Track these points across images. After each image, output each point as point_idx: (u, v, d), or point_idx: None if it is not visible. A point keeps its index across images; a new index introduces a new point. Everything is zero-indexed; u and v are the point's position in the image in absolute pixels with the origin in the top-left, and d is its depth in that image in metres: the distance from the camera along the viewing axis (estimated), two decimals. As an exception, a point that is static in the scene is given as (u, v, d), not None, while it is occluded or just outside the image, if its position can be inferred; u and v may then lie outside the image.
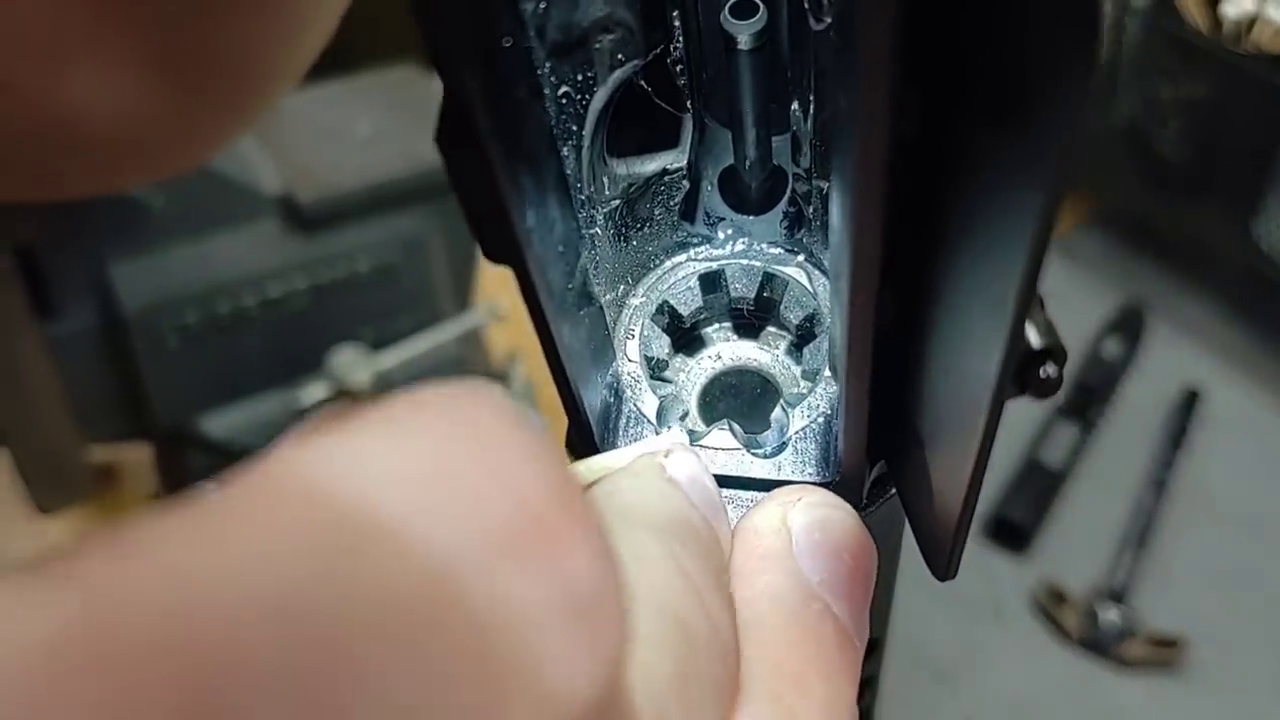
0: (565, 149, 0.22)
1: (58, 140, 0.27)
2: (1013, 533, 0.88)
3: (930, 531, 0.24)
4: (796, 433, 0.24)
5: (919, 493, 0.24)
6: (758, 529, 0.21)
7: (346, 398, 0.80)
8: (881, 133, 0.15)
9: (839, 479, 0.23)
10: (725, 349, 0.27)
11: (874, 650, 0.36)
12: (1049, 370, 0.19)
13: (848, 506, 0.21)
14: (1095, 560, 0.87)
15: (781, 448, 0.24)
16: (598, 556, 0.14)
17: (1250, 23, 0.91)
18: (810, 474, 0.23)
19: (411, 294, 0.84)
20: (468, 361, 0.88)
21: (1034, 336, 0.19)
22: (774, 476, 0.24)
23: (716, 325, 0.27)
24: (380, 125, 0.82)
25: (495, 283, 0.90)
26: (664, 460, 0.20)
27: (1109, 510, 0.91)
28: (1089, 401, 0.96)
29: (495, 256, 0.20)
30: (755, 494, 0.24)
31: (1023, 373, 0.19)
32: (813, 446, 0.24)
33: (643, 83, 0.24)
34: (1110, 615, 0.82)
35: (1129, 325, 1.03)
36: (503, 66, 0.19)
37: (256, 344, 0.80)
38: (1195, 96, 1.00)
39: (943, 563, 0.24)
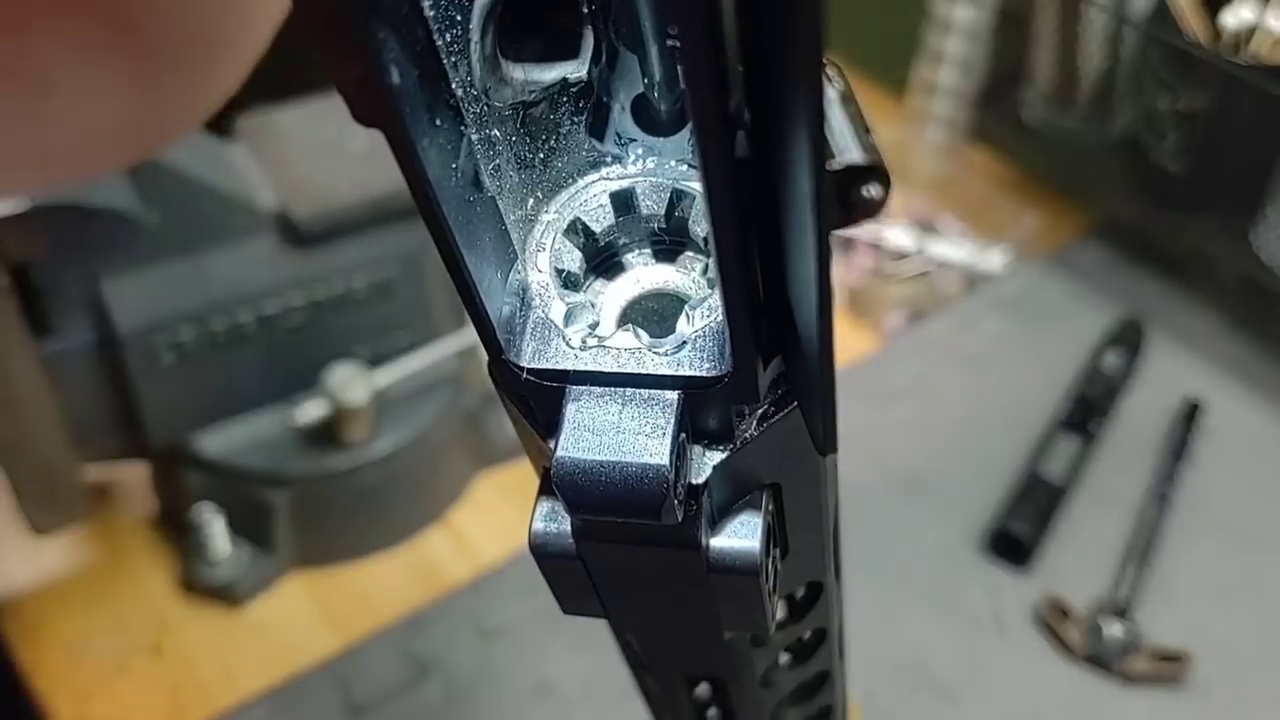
0: (449, 35, 0.23)
1: (28, 117, 0.27)
2: (1014, 547, 0.87)
3: (809, 408, 0.25)
4: (696, 332, 0.24)
5: (800, 373, 0.25)
6: None
7: (344, 415, 0.80)
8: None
9: (732, 371, 0.24)
10: (644, 273, 0.27)
11: (818, 596, 0.35)
12: (872, 190, 0.19)
13: None
14: (1098, 574, 0.87)
15: (681, 346, 0.24)
16: None
17: (1249, 33, 0.91)
18: (707, 368, 0.24)
19: (409, 310, 0.83)
20: (464, 378, 0.88)
21: (856, 153, 0.19)
22: (673, 372, 0.24)
23: (637, 251, 0.27)
24: (376, 141, 0.81)
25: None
26: None
27: (1111, 523, 0.90)
28: (1089, 414, 0.96)
29: (362, 117, 0.20)
30: (655, 391, 0.24)
31: (845, 192, 0.19)
32: (710, 343, 0.24)
33: None
34: (1114, 630, 0.81)
35: (1128, 337, 1.03)
36: None
37: (252, 361, 0.79)
38: (1194, 108, 1.00)
39: (819, 435, 0.25)
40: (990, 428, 0.98)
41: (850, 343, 1.07)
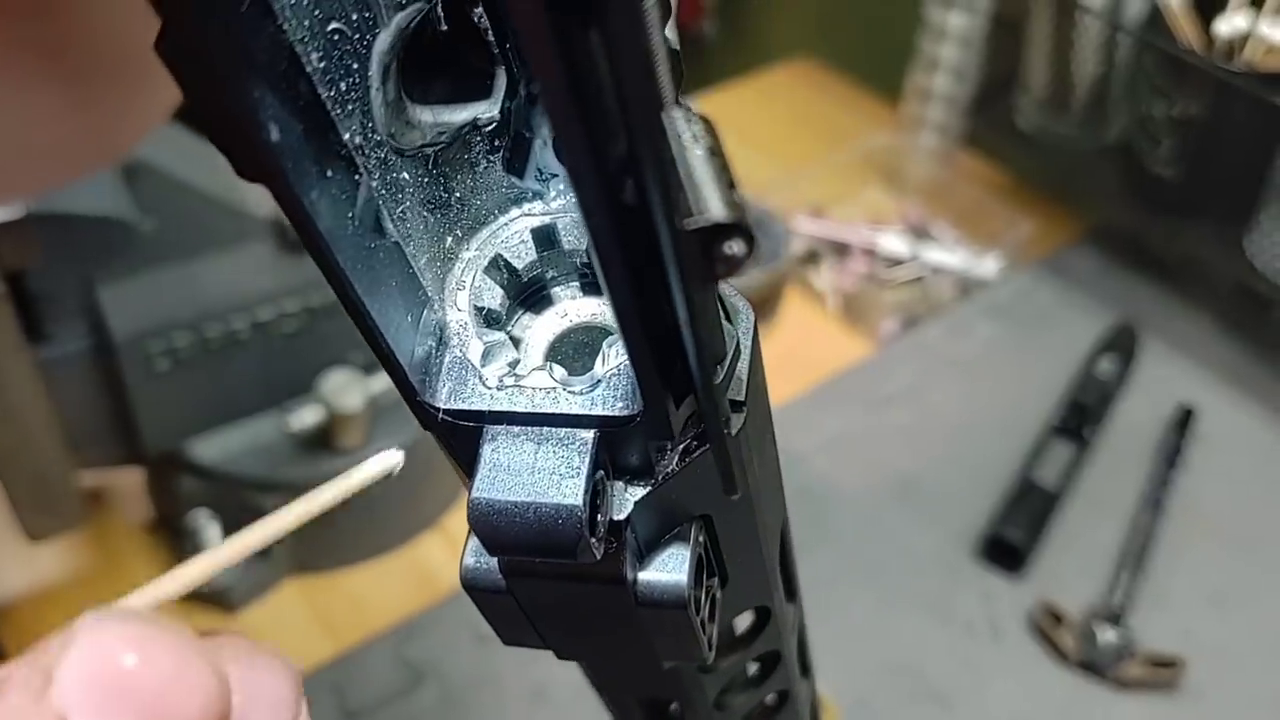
0: (344, 84, 0.22)
1: None
2: (1008, 553, 0.87)
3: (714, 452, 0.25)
4: (610, 370, 0.24)
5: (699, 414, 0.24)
6: None
7: (338, 421, 0.80)
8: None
9: (643, 410, 0.24)
10: (571, 307, 0.27)
11: (767, 620, 0.35)
12: (734, 247, 0.19)
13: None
14: (1092, 580, 0.87)
15: (595, 385, 0.24)
16: None
17: (1243, 40, 0.91)
18: (620, 407, 0.24)
19: (403, 316, 0.83)
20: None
21: (718, 210, 0.19)
22: (587, 411, 0.24)
23: (564, 284, 0.27)
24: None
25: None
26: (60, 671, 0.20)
27: (1105, 529, 0.90)
28: (1083, 420, 0.96)
29: (245, 172, 0.20)
30: (571, 430, 0.24)
31: (708, 249, 0.19)
32: (625, 382, 0.24)
33: (444, 28, 0.24)
34: (1108, 636, 0.81)
35: (1122, 343, 1.03)
36: None
37: (247, 368, 0.79)
38: (1188, 114, 1.00)
39: (722, 479, 0.25)
40: (984, 433, 0.98)
41: (845, 348, 1.07)
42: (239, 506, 0.82)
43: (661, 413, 0.23)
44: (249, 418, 0.81)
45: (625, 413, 0.24)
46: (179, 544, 0.84)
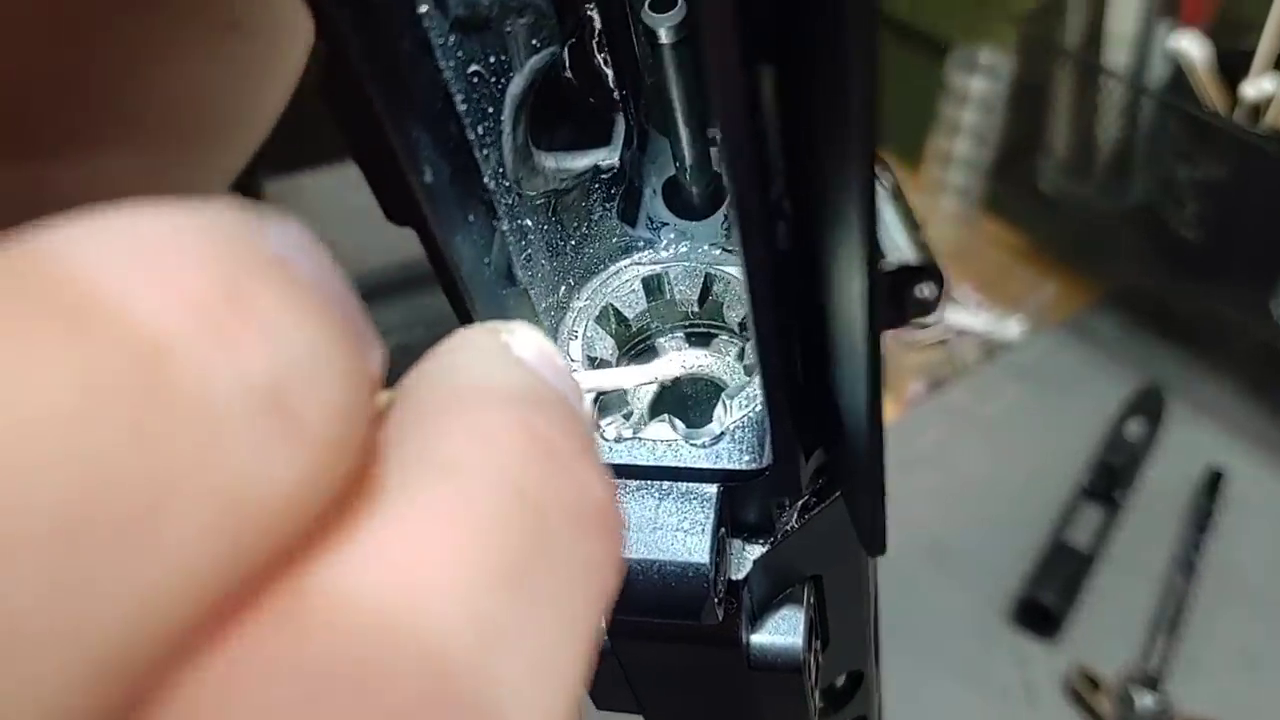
0: (480, 129, 0.22)
1: (35, 207, 0.27)
2: (1043, 616, 0.86)
3: (856, 505, 0.24)
4: (734, 423, 0.24)
5: (845, 468, 0.24)
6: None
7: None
8: (737, 101, 0.16)
9: (773, 464, 0.23)
10: (677, 359, 0.27)
11: (858, 685, 0.34)
12: (925, 290, 0.19)
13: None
14: (1127, 643, 0.86)
15: (719, 438, 0.24)
16: (308, 327, 0.13)
17: (1268, 103, 0.92)
18: (747, 461, 0.23)
19: (433, 374, 0.83)
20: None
21: (909, 252, 0.19)
22: (712, 466, 0.23)
23: (669, 335, 0.27)
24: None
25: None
26: (507, 337, 0.18)
27: (1139, 592, 0.89)
28: (1113, 483, 0.95)
29: (395, 215, 0.20)
30: (693, 484, 0.24)
31: (898, 292, 0.19)
32: (750, 435, 0.24)
33: (568, 75, 0.24)
34: (1146, 701, 0.80)
35: (1149, 405, 1.02)
36: (381, 15, 0.19)
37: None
38: (1212, 177, 1.00)
39: (868, 534, 0.24)
40: (1013, 495, 0.97)
41: (870, 410, 1.06)
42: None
43: (793, 467, 0.23)
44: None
45: (752, 466, 0.23)
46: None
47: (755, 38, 0.16)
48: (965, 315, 1.13)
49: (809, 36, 0.16)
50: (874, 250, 0.17)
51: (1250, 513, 0.97)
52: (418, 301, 0.79)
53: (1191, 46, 0.96)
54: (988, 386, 1.09)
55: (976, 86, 1.14)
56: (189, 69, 0.27)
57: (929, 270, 0.18)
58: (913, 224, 0.19)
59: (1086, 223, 1.17)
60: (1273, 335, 1.02)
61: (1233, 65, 0.96)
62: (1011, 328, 1.12)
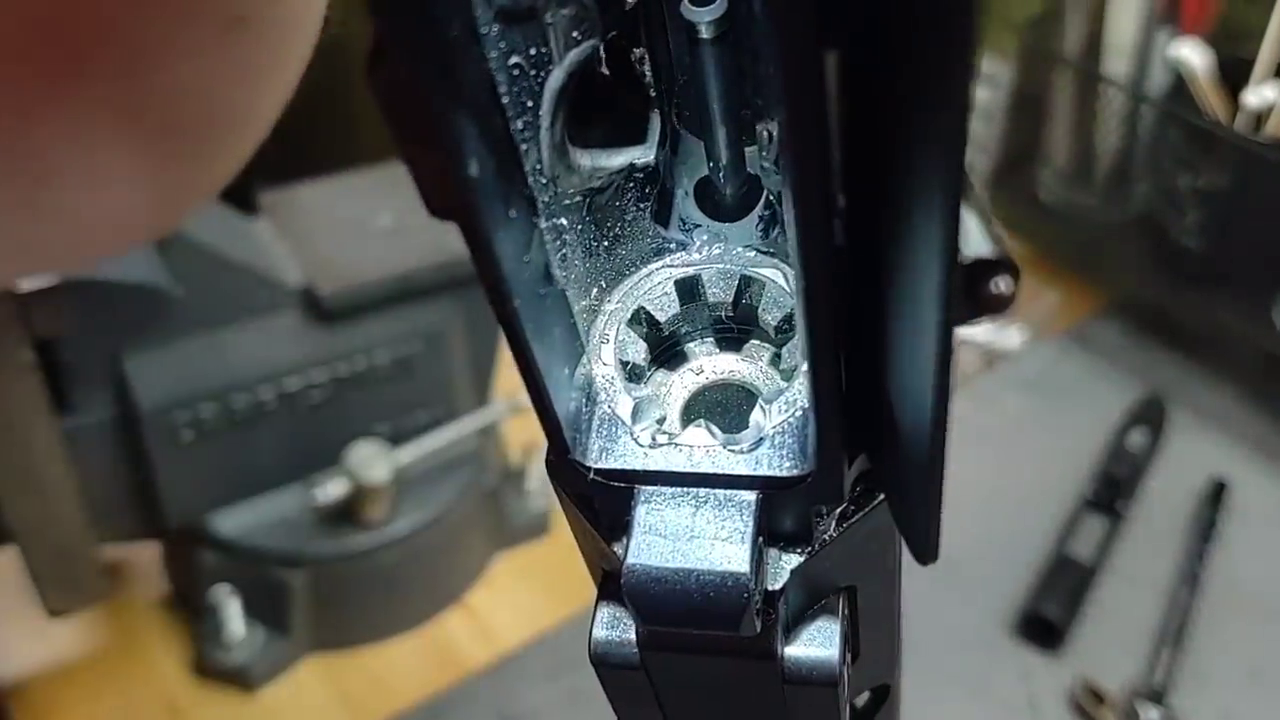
0: (520, 123, 0.22)
1: (31, 204, 0.26)
2: (1046, 629, 0.85)
3: (908, 512, 0.24)
4: (774, 427, 0.23)
5: (895, 472, 0.23)
6: None
7: (365, 494, 0.78)
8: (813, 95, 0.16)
9: (816, 470, 0.22)
10: (708, 363, 0.26)
11: (884, 699, 0.34)
12: (1001, 284, 0.18)
13: None
14: (1131, 656, 0.85)
15: (759, 443, 0.23)
16: None
17: (1269, 111, 0.91)
18: (788, 467, 0.22)
19: (430, 388, 0.82)
20: (484, 456, 0.87)
21: (984, 245, 0.18)
22: (751, 472, 0.23)
23: (699, 340, 0.26)
24: (401, 217, 0.81)
25: (514, 377, 0.88)
26: None
27: (1142, 604, 0.89)
28: (1116, 494, 0.95)
29: (436, 209, 0.19)
30: (731, 491, 0.23)
31: (973, 286, 0.18)
32: (790, 440, 0.23)
33: (605, 70, 0.24)
34: (1150, 714, 0.79)
35: (1151, 416, 1.02)
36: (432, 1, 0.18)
37: (272, 439, 0.78)
38: (1213, 186, 1.00)
39: (922, 542, 0.23)
40: (1015, 506, 0.97)
41: (870, 421, 1.06)
42: (260, 581, 0.80)
43: (837, 473, 0.22)
44: (273, 490, 0.80)
45: (794, 473, 0.22)
46: (198, 621, 0.82)
47: (824, 17, 0.15)
48: (965, 325, 1.12)
49: (882, 17, 0.16)
50: (955, 244, 0.17)
51: (1254, 523, 0.96)
52: (413, 314, 0.79)
53: (1192, 54, 0.95)
54: (988, 396, 1.08)
55: (976, 95, 1.13)
56: (193, 65, 0.26)
57: (1004, 264, 0.18)
58: (986, 215, 0.18)
59: (1087, 232, 1.16)
60: (1275, 344, 1.01)
61: (1233, 73, 0.96)
62: (1012, 337, 1.12)
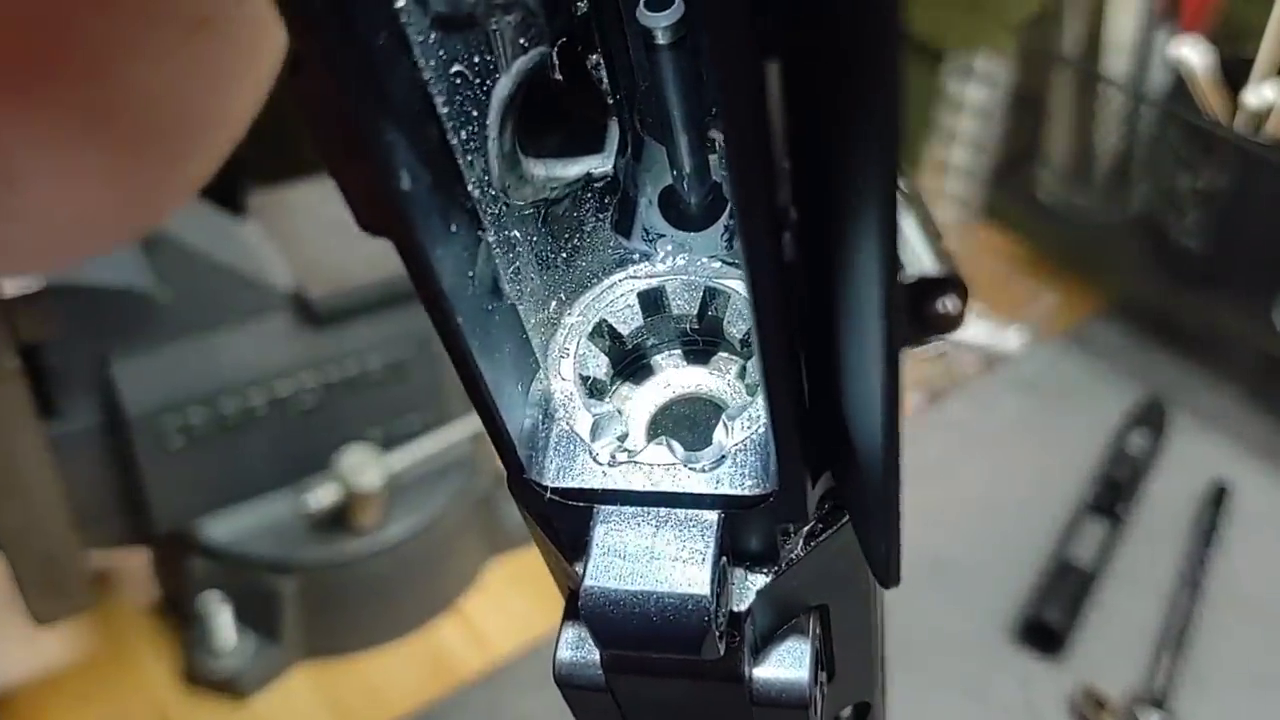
0: (464, 133, 0.21)
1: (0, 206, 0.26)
2: (1047, 635, 0.85)
3: (870, 536, 0.23)
4: (736, 445, 0.22)
5: (856, 495, 0.22)
6: None
7: (356, 500, 0.77)
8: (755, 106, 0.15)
9: (778, 489, 0.22)
10: (675, 376, 0.25)
11: (864, 716, 0.33)
12: (948, 304, 0.17)
13: None
14: (1132, 662, 0.84)
15: (720, 461, 0.22)
16: None
17: (1269, 112, 0.90)
18: (750, 486, 0.22)
19: (422, 392, 0.81)
20: (476, 461, 0.86)
21: (929, 263, 0.17)
22: (712, 491, 0.22)
23: (666, 353, 0.26)
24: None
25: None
26: None
27: (1142, 609, 0.88)
28: (1116, 497, 0.94)
29: (367, 224, 0.19)
30: (692, 511, 0.22)
31: (918, 306, 0.17)
32: (753, 458, 0.22)
33: (559, 77, 0.23)
34: (1152, 720, 0.78)
35: (1152, 418, 1.01)
36: (353, 8, 0.17)
37: (262, 444, 0.77)
38: (1213, 186, 0.99)
39: (882, 565, 0.22)
40: (1014, 510, 0.96)
41: (867, 424, 1.05)
42: (250, 589, 0.79)
43: (799, 492, 0.21)
44: (263, 496, 0.79)
45: (756, 492, 0.22)
46: (188, 628, 0.81)
47: (763, 28, 0.14)
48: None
49: (818, 27, 0.15)
50: (893, 264, 0.16)
51: (1256, 526, 0.95)
52: (402, 318, 0.78)
53: (1192, 54, 0.94)
54: (987, 399, 1.07)
55: (974, 95, 1.13)
56: (160, 67, 0.25)
57: (951, 282, 0.17)
58: (934, 233, 0.17)
59: (1086, 232, 1.15)
60: (1276, 345, 1.00)
61: (1234, 72, 0.95)
62: (1011, 339, 1.11)
